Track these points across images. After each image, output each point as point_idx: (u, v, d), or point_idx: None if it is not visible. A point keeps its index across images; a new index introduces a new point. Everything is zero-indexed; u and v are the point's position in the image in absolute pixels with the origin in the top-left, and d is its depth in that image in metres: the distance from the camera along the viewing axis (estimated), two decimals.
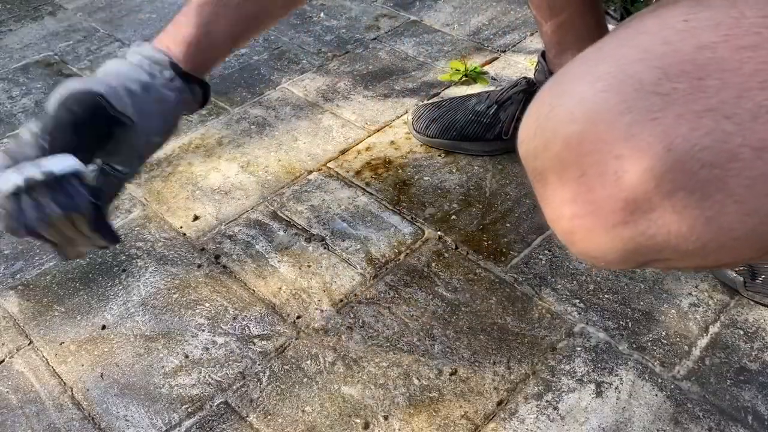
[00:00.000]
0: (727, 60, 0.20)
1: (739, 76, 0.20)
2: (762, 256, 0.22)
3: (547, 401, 0.74)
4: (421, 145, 1.11)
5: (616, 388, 0.75)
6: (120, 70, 0.59)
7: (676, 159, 0.20)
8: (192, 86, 0.64)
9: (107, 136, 0.57)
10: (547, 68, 1.02)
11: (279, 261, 0.92)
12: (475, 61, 1.30)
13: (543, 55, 1.03)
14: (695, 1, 0.21)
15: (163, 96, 0.60)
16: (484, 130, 1.06)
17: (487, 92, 1.11)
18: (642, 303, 0.84)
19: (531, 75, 1.08)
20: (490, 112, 1.05)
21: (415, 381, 0.77)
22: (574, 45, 0.98)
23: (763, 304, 0.82)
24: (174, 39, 0.64)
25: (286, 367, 0.79)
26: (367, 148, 1.11)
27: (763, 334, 0.79)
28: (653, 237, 0.22)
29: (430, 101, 1.13)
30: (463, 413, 0.73)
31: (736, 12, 0.20)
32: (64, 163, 0.51)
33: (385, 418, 0.73)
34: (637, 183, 0.21)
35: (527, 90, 1.04)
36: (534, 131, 0.24)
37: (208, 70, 0.68)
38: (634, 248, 0.23)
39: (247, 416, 0.74)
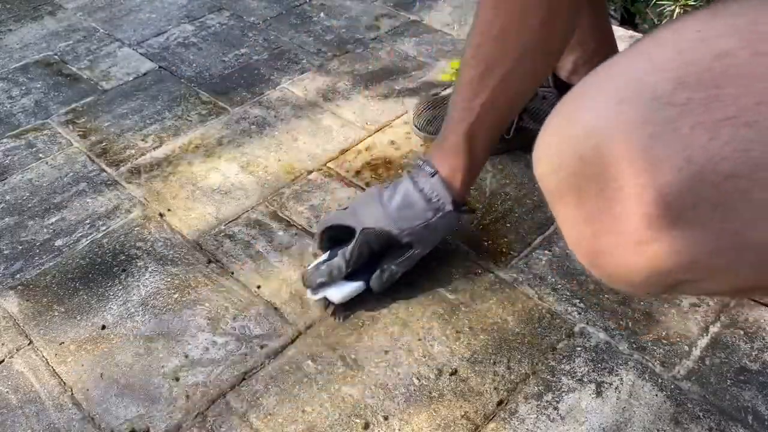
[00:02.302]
0: (745, 67, 0.19)
1: (759, 82, 0.19)
2: None
3: (547, 401, 0.74)
4: (421, 145, 1.11)
5: (616, 388, 0.75)
6: (411, 211, 0.80)
7: (696, 171, 0.19)
8: (464, 209, 0.84)
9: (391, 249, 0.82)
10: None
11: (279, 261, 0.92)
12: None
13: None
14: (708, 13, 0.20)
15: (438, 227, 0.81)
16: None
17: None
18: (642, 303, 0.84)
19: None
20: None
21: (415, 381, 0.77)
22: (578, 44, 0.98)
23: (763, 304, 0.82)
24: (451, 166, 0.80)
25: (286, 367, 0.79)
26: (367, 148, 1.11)
27: (763, 334, 0.79)
28: (679, 253, 0.21)
29: (432, 98, 1.14)
30: (463, 413, 0.73)
31: (749, 20, 0.20)
32: (355, 287, 0.83)
33: (385, 418, 0.73)
34: (658, 197, 0.20)
35: None
36: (550, 149, 0.24)
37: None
38: (660, 267, 0.22)
39: (247, 416, 0.74)
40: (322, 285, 0.82)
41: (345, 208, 0.85)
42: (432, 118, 1.09)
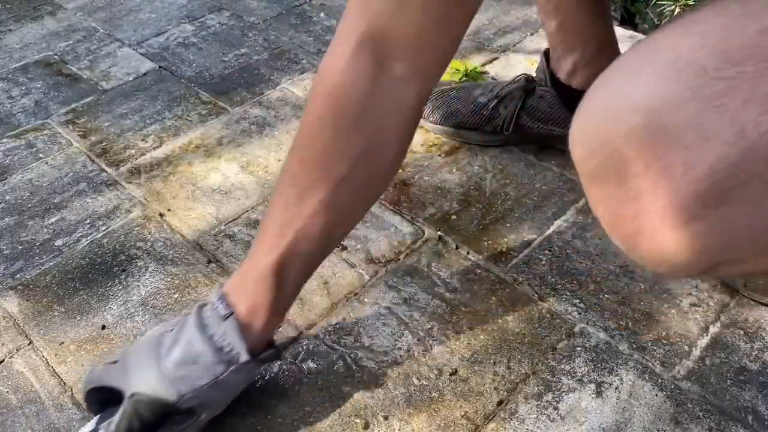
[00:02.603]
0: None
1: None
2: None
3: (547, 401, 0.74)
4: (421, 145, 1.11)
5: (616, 388, 0.75)
6: (195, 367, 0.64)
7: (748, 146, 0.19)
8: (265, 355, 0.68)
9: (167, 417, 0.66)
10: (546, 67, 1.03)
11: None
12: (475, 61, 1.30)
13: (546, 53, 1.04)
14: None
15: (230, 384, 0.66)
16: (484, 122, 1.07)
17: (493, 83, 1.12)
18: (642, 303, 0.84)
19: (532, 74, 1.08)
20: (491, 106, 1.06)
21: (415, 381, 0.77)
22: (579, 45, 0.98)
23: (763, 304, 0.82)
24: (253, 304, 0.66)
25: (286, 367, 0.79)
26: None
27: (763, 334, 0.79)
28: (728, 231, 0.20)
29: (438, 88, 1.15)
30: (463, 413, 0.73)
31: None
32: None
33: (385, 418, 0.73)
34: (710, 173, 0.20)
35: (525, 87, 1.04)
36: (590, 130, 0.23)
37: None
38: (707, 246, 0.21)
39: (247, 416, 0.74)
40: None
41: (114, 361, 0.69)
42: (434, 107, 1.11)
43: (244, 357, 0.64)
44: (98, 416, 0.70)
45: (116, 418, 0.65)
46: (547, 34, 1.01)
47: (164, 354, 0.65)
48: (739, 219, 0.20)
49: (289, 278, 0.65)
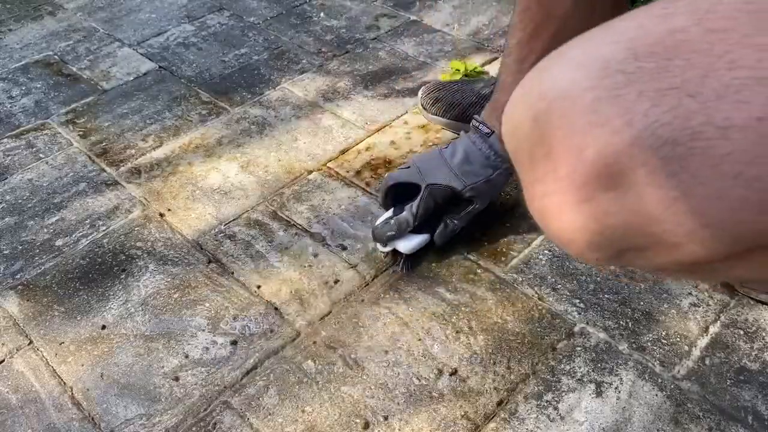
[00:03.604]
0: (697, 42, 0.20)
1: (706, 57, 0.20)
2: (743, 254, 0.21)
3: (547, 401, 0.74)
4: (421, 145, 1.11)
5: (616, 388, 0.75)
6: (472, 167, 0.86)
7: (635, 135, 0.20)
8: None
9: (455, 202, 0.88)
10: None
11: (279, 261, 0.92)
12: (475, 61, 1.30)
13: None
14: None
15: (497, 183, 0.88)
16: None
17: (495, 78, 1.12)
18: (642, 303, 0.84)
19: None
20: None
21: (415, 381, 0.77)
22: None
23: (759, 301, 0.82)
24: None
25: (286, 367, 0.79)
26: (367, 148, 1.11)
27: (763, 334, 0.79)
28: (617, 215, 0.22)
29: (441, 81, 1.15)
30: (463, 413, 0.73)
31: (710, 1, 0.20)
32: (422, 239, 0.89)
33: (385, 418, 0.73)
34: (598, 158, 0.21)
35: None
36: (510, 112, 0.25)
37: None
38: (602, 229, 0.23)
39: (247, 416, 0.74)
40: (391, 238, 0.88)
41: (407, 167, 0.90)
42: (436, 99, 1.11)
43: (505, 164, 0.86)
44: (392, 209, 0.90)
45: (416, 202, 0.86)
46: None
47: (448, 158, 0.86)
48: (627, 204, 0.21)
49: None
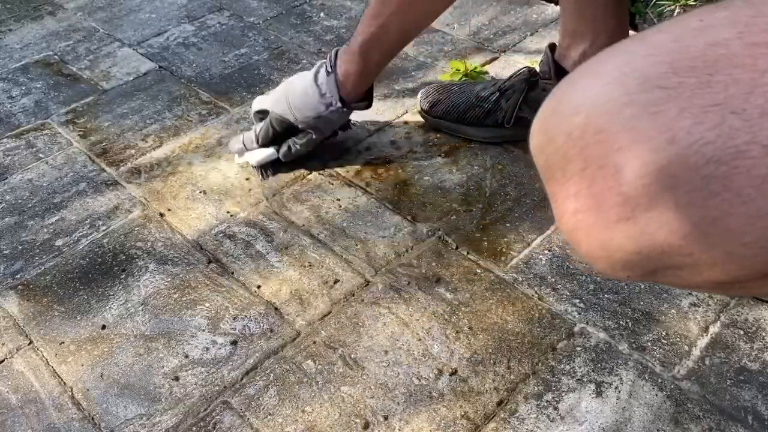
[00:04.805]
0: (739, 56, 0.19)
1: (750, 72, 0.19)
2: None
3: (547, 401, 0.74)
4: (421, 145, 1.11)
5: (616, 388, 0.75)
6: (305, 100, 0.97)
7: (677, 152, 0.19)
8: (356, 105, 1.00)
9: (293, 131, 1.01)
10: (551, 59, 1.03)
11: (279, 261, 0.92)
12: (475, 61, 1.30)
13: (551, 46, 1.04)
14: (716, 6, 0.21)
15: (330, 119, 0.99)
16: (485, 115, 1.07)
17: (495, 79, 1.12)
18: (642, 303, 0.84)
19: None
20: (492, 99, 1.06)
21: (415, 381, 0.77)
22: (591, 34, 0.98)
23: (763, 301, 0.82)
24: (346, 70, 0.96)
25: (286, 367, 0.79)
26: (367, 148, 1.11)
27: (763, 334, 0.79)
28: (654, 236, 0.21)
29: (440, 83, 1.15)
30: (463, 413, 0.73)
31: (754, 11, 0.20)
32: (268, 152, 1.04)
33: (385, 418, 0.73)
34: (637, 176, 0.20)
35: (529, 80, 1.04)
36: (541, 125, 0.24)
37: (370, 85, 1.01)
38: (637, 249, 0.22)
39: (247, 416, 0.74)
40: (239, 151, 1.05)
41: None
42: (436, 101, 1.11)
43: (337, 104, 0.96)
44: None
45: (261, 125, 1.02)
46: (561, 19, 1.02)
47: (291, 89, 0.99)
48: (665, 224, 0.21)
49: (372, 58, 0.94)
